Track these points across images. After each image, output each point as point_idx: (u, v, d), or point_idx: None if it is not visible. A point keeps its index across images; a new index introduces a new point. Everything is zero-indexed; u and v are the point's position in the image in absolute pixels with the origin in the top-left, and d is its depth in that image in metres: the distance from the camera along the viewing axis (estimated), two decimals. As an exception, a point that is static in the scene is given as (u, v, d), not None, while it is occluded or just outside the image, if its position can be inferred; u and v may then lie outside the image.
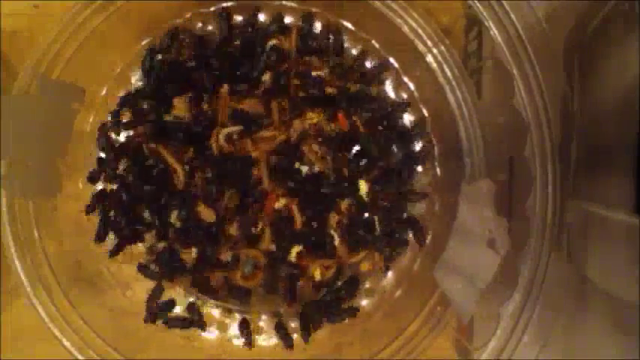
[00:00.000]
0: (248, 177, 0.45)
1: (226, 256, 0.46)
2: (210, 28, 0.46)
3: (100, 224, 0.45)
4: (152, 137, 0.45)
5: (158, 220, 0.45)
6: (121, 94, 0.46)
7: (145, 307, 0.45)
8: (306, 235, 0.46)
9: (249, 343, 0.46)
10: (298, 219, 0.45)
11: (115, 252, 0.46)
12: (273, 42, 0.45)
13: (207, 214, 0.45)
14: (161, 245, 0.46)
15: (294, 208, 0.45)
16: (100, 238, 0.46)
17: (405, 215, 0.47)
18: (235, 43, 0.46)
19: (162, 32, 0.45)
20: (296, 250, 0.46)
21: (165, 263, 0.46)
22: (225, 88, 0.45)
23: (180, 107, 0.46)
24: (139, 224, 0.46)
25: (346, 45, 0.46)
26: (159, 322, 0.46)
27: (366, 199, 0.46)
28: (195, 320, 0.46)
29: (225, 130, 0.44)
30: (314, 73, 0.46)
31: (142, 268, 0.46)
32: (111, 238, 0.46)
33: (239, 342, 0.46)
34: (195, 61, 0.45)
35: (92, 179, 0.46)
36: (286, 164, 0.45)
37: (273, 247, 0.46)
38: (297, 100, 0.45)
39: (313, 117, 0.46)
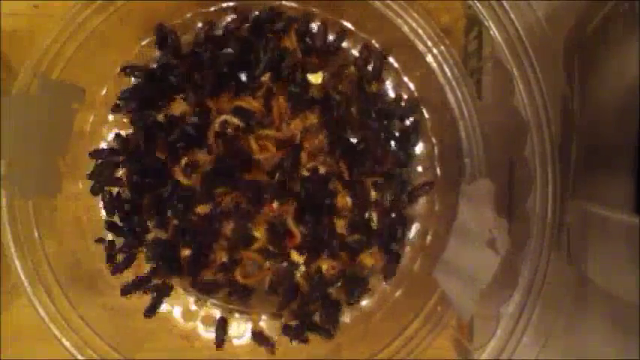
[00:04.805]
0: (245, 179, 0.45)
1: (222, 256, 0.46)
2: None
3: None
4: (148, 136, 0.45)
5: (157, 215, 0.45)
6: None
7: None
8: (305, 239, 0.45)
9: (221, 343, 0.45)
10: (296, 233, 0.45)
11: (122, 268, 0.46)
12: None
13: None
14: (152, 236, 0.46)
15: (290, 221, 0.45)
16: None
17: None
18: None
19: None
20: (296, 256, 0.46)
21: (160, 257, 0.45)
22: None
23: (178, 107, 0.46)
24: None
25: (345, 45, 0.46)
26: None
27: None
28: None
29: (223, 117, 0.44)
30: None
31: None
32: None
33: (239, 342, 0.46)
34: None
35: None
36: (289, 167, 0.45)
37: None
38: (298, 100, 0.45)
39: (313, 117, 0.46)
